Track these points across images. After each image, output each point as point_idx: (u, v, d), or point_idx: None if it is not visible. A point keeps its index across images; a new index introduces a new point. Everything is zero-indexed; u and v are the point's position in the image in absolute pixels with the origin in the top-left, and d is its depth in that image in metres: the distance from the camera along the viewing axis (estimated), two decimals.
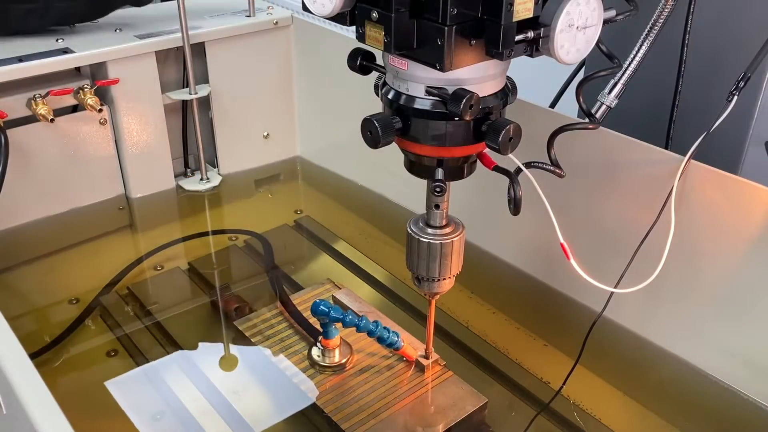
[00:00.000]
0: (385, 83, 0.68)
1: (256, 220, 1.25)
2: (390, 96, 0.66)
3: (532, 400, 0.89)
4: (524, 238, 1.05)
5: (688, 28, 0.93)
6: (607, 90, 0.86)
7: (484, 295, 1.07)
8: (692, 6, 0.92)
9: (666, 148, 0.95)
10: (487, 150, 0.69)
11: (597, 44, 0.72)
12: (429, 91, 0.63)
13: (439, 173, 0.68)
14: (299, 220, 1.26)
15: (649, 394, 0.90)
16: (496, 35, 0.58)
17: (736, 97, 0.81)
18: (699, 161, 0.81)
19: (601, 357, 0.93)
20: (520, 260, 1.08)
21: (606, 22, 0.66)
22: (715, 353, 0.87)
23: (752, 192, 0.78)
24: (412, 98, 0.64)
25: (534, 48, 0.61)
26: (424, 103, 0.64)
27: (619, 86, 0.85)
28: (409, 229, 0.75)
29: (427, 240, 0.74)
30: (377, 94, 0.69)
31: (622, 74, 0.85)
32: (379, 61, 0.69)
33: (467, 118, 0.60)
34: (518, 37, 0.59)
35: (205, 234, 1.23)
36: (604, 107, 0.86)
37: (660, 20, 0.82)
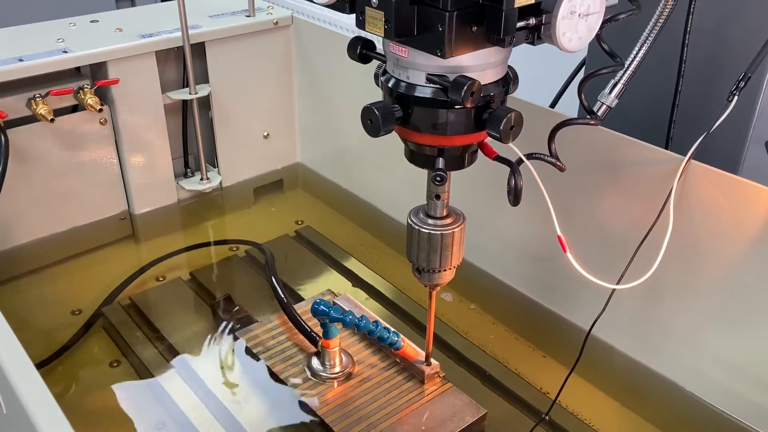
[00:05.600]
0: (385, 71, 0.67)
1: (257, 229, 1.25)
2: (390, 84, 0.66)
3: (531, 410, 0.89)
4: (524, 251, 1.05)
5: (688, 29, 0.93)
6: (607, 90, 0.86)
7: (484, 306, 1.07)
8: (692, 6, 0.92)
9: (666, 148, 0.95)
10: (488, 140, 0.68)
11: (599, 43, 0.72)
12: (430, 78, 0.62)
13: (440, 162, 0.68)
14: (300, 230, 1.26)
15: (646, 405, 0.90)
16: (497, 21, 0.58)
17: (736, 97, 0.81)
18: (699, 161, 0.81)
19: (598, 367, 0.93)
20: (520, 282, 1.08)
21: (608, 21, 0.66)
22: (715, 362, 0.87)
23: (752, 192, 0.78)
24: (412, 86, 0.64)
25: (536, 35, 0.61)
26: (424, 91, 0.63)
27: (619, 86, 0.85)
28: (409, 220, 0.75)
29: (427, 231, 0.73)
30: (377, 84, 0.69)
31: (623, 74, 0.84)
32: (379, 49, 0.69)
33: (468, 105, 0.60)
34: (520, 24, 0.59)
35: (207, 244, 1.23)
36: (604, 107, 0.86)
37: (660, 21, 0.82)
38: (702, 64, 0.98)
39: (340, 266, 1.17)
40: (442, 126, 0.65)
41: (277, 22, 1.30)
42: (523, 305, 1.06)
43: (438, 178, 0.69)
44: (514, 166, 0.68)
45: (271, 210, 1.35)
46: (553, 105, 1.19)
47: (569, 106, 1.12)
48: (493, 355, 0.98)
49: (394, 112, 0.64)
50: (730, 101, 0.80)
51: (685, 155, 0.81)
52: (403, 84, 0.64)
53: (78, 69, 1.16)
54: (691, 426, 0.89)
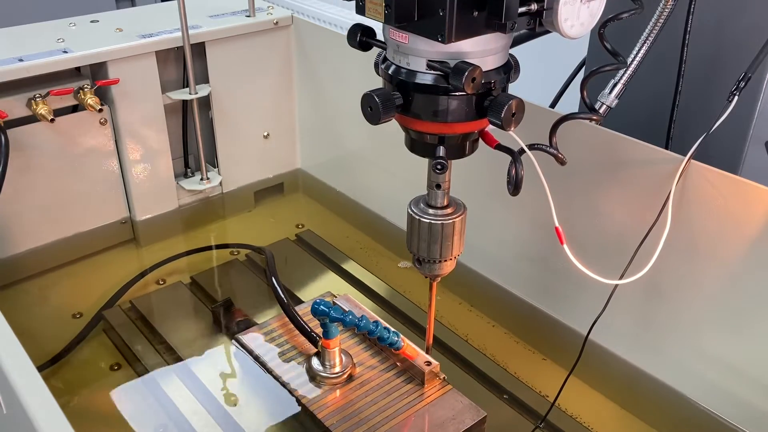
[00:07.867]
0: (385, 59, 0.67)
1: (258, 233, 1.25)
2: (390, 71, 0.65)
3: (531, 413, 0.89)
4: (523, 253, 1.05)
5: (688, 29, 0.93)
6: (607, 90, 0.86)
7: (484, 309, 1.07)
8: (692, 6, 0.92)
9: (666, 148, 0.95)
10: (489, 128, 0.68)
11: (602, 43, 0.72)
12: (430, 65, 0.62)
13: (441, 151, 0.67)
14: (300, 233, 1.26)
15: (645, 407, 0.90)
16: (498, 6, 0.57)
17: (736, 98, 0.81)
18: (699, 161, 0.81)
19: (597, 370, 0.93)
20: (519, 285, 1.08)
21: (611, 20, 0.65)
22: (714, 365, 0.86)
23: (752, 192, 0.78)
24: (413, 73, 0.63)
25: (537, 22, 0.60)
26: (425, 78, 0.63)
27: (619, 86, 0.85)
28: (409, 210, 0.74)
29: (428, 221, 0.73)
30: (377, 72, 0.68)
31: (623, 74, 0.85)
32: (380, 36, 0.68)
33: (469, 91, 0.59)
34: (521, 10, 0.58)
35: (207, 248, 1.23)
36: (604, 107, 0.86)
37: (660, 21, 0.82)
38: (702, 64, 0.98)
39: (339, 269, 1.16)
40: (442, 113, 0.64)
41: (277, 22, 1.30)
42: (523, 308, 1.06)
43: (438, 167, 0.69)
44: (515, 155, 0.67)
45: (271, 214, 1.35)
46: (553, 105, 1.19)
47: (569, 108, 1.12)
48: (492, 357, 0.98)
49: (394, 99, 0.64)
50: (731, 101, 0.80)
51: (685, 155, 0.81)
52: (403, 71, 0.64)
53: (78, 69, 1.16)
54: (689, 429, 0.88)
